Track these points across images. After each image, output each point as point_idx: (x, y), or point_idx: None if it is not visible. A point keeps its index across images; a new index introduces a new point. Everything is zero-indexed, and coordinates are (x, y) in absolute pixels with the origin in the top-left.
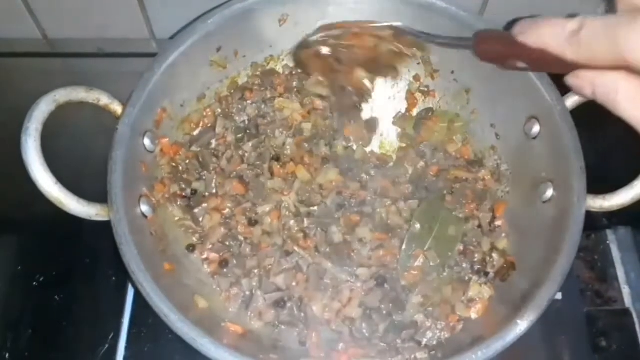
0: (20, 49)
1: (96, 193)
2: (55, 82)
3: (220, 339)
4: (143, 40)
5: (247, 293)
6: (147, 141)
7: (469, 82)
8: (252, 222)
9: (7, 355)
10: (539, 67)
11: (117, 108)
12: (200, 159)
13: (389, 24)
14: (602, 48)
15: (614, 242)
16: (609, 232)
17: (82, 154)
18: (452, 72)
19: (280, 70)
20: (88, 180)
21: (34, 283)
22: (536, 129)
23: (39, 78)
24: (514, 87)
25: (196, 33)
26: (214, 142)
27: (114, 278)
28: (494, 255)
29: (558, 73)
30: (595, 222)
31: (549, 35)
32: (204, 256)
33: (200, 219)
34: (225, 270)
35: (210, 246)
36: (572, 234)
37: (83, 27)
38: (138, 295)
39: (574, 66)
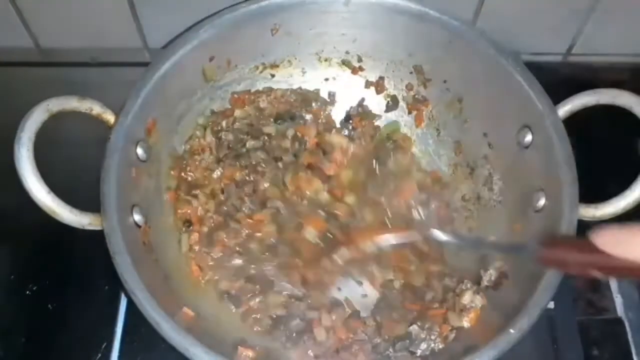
0: (13, 58)
1: (89, 202)
2: (48, 92)
3: (214, 348)
4: (136, 49)
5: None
6: (139, 150)
7: (462, 91)
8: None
9: None
10: (621, 276)
11: (109, 117)
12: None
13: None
14: None
15: None
16: None
17: (75, 163)
18: (445, 82)
19: None
20: (81, 190)
21: (27, 292)
22: (528, 138)
23: (32, 87)
24: (506, 96)
25: (188, 42)
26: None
27: (107, 287)
28: (490, 270)
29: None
30: (587, 232)
31: None
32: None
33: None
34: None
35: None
36: None
37: (76, 36)
38: (131, 304)
39: None
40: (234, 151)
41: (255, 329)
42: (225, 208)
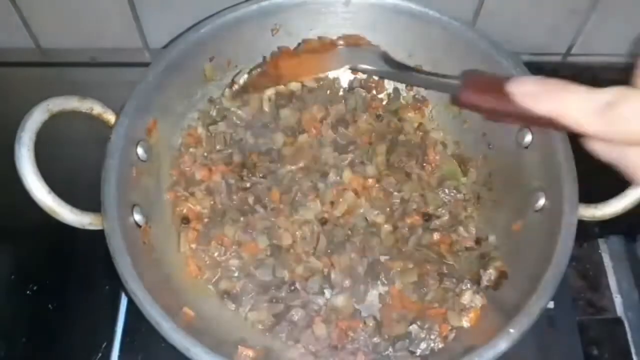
0: (14, 58)
1: (90, 202)
2: (49, 92)
3: (214, 348)
4: (136, 49)
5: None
6: (140, 150)
7: None
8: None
9: None
10: (533, 124)
11: (110, 117)
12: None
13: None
14: None
15: (606, 251)
16: (600, 242)
17: (75, 163)
18: None
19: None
20: (81, 189)
21: (28, 292)
22: (528, 138)
23: (32, 87)
24: None
25: (189, 42)
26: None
27: (107, 287)
28: (490, 270)
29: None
30: (587, 231)
31: (573, 107)
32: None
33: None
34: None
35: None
36: (564, 243)
37: (76, 36)
38: (131, 304)
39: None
40: (224, 140)
41: (256, 327)
42: (220, 206)
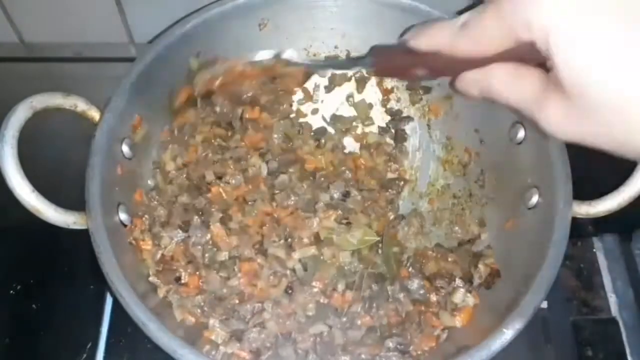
0: None
1: (74, 201)
2: (32, 88)
3: (201, 350)
4: (122, 44)
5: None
6: (125, 148)
7: None
8: None
9: None
10: (437, 73)
11: (94, 114)
12: None
13: (271, 56)
14: (491, 32)
15: (601, 250)
16: (595, 240)
17: (59, 160)
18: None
19: None
20: (66, 188)
21: (11, 292)
22: (521, 134)
23: (16, 83)
24: None
25: (175, 37)
26: None
27: (92, 287)
28: (480, 266)
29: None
30: (581, 230)
31: (439, 35)
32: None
33: None
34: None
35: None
36: (558, 241)
37: (61, 30)
38: (117, 304)
39: (467, 65)
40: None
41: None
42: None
